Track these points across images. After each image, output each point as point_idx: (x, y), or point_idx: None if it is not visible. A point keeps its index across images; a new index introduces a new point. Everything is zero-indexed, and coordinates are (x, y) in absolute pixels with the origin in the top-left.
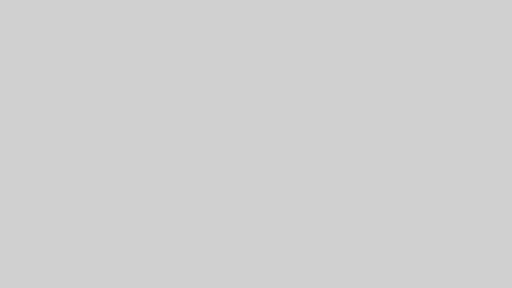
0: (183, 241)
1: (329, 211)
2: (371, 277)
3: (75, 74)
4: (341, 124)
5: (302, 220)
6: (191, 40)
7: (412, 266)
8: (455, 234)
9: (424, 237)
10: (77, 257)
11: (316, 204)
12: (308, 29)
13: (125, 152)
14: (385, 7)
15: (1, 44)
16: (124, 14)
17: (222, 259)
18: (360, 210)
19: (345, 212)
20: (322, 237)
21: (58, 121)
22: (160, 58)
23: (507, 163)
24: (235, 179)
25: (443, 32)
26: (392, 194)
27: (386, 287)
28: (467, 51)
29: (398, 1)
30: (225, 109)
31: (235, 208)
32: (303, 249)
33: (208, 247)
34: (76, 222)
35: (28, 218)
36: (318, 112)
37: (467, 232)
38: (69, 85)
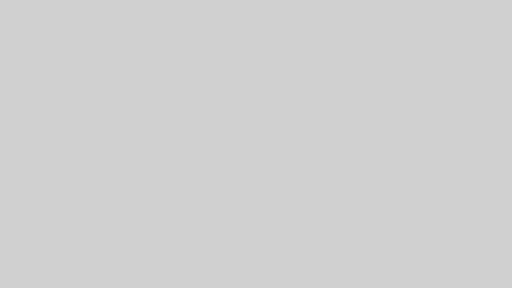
0: (183, 241)
1: (329, 211)
2: (371, 277)
3: (75, 74)
4: (341, 124)
5: (302, 221)
6: (191, 40)
7: (412, 266)
8: (455, 234)
9: (424, 237)
10: (77, 257)
11: (316, 204)
12: (308, 29)
13: (125, 153)
14: (385, 7)
15: (1, 44)
16: (124, 14)
17: (222, 259)
18: (360, 210)
19: (345, 212)
20: (322, 238)
21: (58, 121)
22: (160, 58)
23: (507, 163)
24: (235, 180)
25: (443, 32)
26: (392, 195)
27: (386, 287)
28: (467, 51)
29: (398, 1)
30: (225, 110)
31: (235, 208)
32: (303, 249)
33: (208, 247)
34: (76, 223)
35: (28, 218)
36: (318, 113)
37: (467, 233)
38: (69, 85)
